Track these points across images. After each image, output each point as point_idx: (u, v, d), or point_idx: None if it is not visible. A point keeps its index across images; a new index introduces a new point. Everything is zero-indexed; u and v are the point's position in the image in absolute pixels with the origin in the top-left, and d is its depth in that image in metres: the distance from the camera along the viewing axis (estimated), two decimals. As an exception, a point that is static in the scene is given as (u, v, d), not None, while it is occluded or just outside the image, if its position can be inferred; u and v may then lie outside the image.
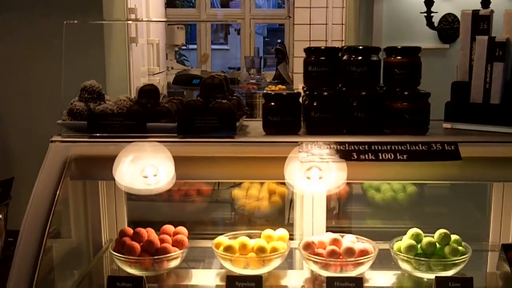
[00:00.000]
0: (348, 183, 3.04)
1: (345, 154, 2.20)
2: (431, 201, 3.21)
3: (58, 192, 2.22)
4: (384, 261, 2.49)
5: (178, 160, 2.26)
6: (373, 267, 2.42)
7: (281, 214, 3.09)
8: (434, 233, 2.46)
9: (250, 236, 2.51)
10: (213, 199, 3.37)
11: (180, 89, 6.47)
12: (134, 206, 2.95)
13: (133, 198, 3.03)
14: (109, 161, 2.25)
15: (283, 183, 3.07)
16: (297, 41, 7.08)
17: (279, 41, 8.66)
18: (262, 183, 3.16)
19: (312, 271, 2.45)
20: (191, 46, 10.40)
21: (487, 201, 2.82)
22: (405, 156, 2.18)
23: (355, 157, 2.19)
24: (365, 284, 2.29)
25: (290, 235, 2.61)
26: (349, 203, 3.21)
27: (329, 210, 2.83)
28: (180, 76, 6.63)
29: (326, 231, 2.60)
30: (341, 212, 3.13)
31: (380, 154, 2.19)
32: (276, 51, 7.83)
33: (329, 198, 2.85)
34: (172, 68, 7.58)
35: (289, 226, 2.74)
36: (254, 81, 7.55)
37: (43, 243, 2.12)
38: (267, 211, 3.05)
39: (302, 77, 2.50)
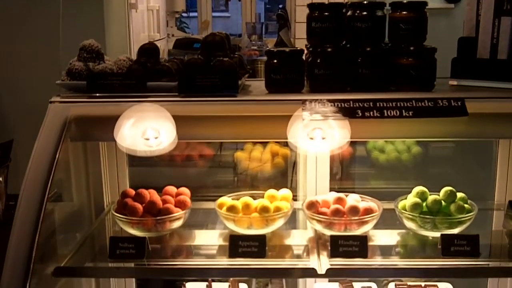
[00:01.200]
0: (352, 143, 3.01)
1: (349, 111, 2.16)
2: (436, 162, 3.17)
3: (58, 154, 2.18)
4: (388, 220, 2.47)
5: (179, 120, 2.22)
6: (377, 226, 2.40)
7: (284, 176, 3.06)
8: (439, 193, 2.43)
9: (253, 197, 2.48)
10: (215, 163, 3.33)
11: (180, 54, 6.40)
12: (136, 172, 2.93)
13: (134, 164, 3.01)
14: (109, 121, 2.21)
15: (286, 145, 3.04)
16: (299, 6, 6.98)
17: (280, 6, 8.55)
18: (264, 146, 3.12)
19: (316, 230, 2.42)
20: (191, 14, 10.30)
21: (493, 160, 2.79)
22: (410, 113, 2.14)
23: (360, 114, 2.15)
24: (370, 243, 2.26)
25: (293, 195, 2.58)
26: (353, 164, 3.17)
27: (332, 172, 2.80)
28: (180, 40, 6.56)
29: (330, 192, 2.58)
30: (344, 173, 3.10)
31: (385, 111, 2.15)
32: (278, 17, 7.72)
33: (332, 159, 2.81)
34: (173, 35, 7.49)
35: (292, 190, 2.70)
36: (255, 47, 7.47)
37: (43, 205, 2.09)
38: (270, 173, 3.01)
39: (304, 43, 2.45)
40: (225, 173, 3.25)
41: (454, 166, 3.18)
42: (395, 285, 2.72)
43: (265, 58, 2.39)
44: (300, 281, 3.05)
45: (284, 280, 3.30)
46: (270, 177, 3.02)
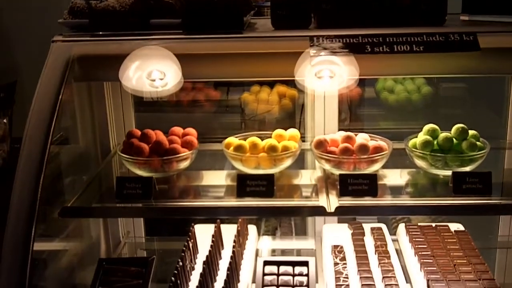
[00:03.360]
0: (360, 84, 2.96)
1: (358, 47, 2.10)
2: (447, 102, 3.12)
3: (61, 94, 2.13)
4: (398, 160, 2.43)
5: (184, 58, 2.18)
6: (387, 166, 2.36)
7: (291, 118, 3.02)
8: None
9: (260, 138, 2.43)
10: (222, 106, 3.29)
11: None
12: (142, 117, 2.90)
13: (141, 110, 2.98)
14: (112, 60, 2.18)
15: (294, 86, 2.99)
16: None
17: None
18: (272, 87, 3.07)
19: (324, 170, 2.39)
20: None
21: (504, 100, 2.74)
22: (421, 48, 2.08)
23: (369, 50, 2.09)
24: (379, 182, 2.22)
25: (301, 137, 2.54)
26: (362, 105, 3.12)
27: (341, 113, 2.76)
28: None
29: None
30: (353, 115, 3.06)
31: (395, 46, 2.09)
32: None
33: (341, 101, 2.77)
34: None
35: (300, 132, 2.65)
36: (262, -7, 7.33)
37: (47, 147, 2.04)
38: (278, 115, 2.97)
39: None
40: (232, 117, 3.21)
41: (465, 106, 3.13)
42: (405, 226, 2.69)
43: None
44: (309, 223, 3.05)
45: (293, 223, 3.30)
46: (277, 119, 2.98)
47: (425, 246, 2.49)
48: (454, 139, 2.31)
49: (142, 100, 3.11)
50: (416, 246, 2.49)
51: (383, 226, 2.71)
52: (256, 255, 2.65)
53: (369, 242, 2.60)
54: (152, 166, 2.29)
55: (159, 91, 2.30)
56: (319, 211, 2.10)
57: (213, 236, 2.45)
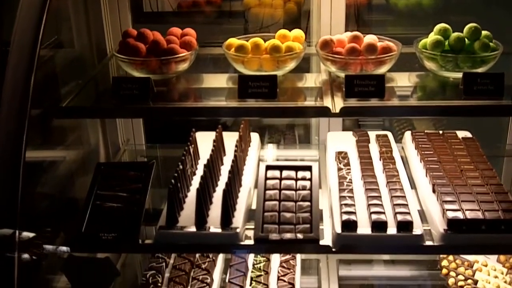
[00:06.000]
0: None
1: None
2: (458, 9, 2.97)
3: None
4: (407, 64, 2.33)
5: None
6: (395, 69, 2.26)
7: (296, 23, 2.89)
8: (462, 32, 2.27)
9: (264, 40, 2.32)
10: (225, 15, 3.16)
11: None
12: (140, 28, 2.79)
13: (141, 20, 2.87)
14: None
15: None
16: None
17: None
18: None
19: (330, 73, 2.30)
20: None
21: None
22: None
23: None
24: (387, 84, 2.13)
25: (307, 42, 2.43)
26: (370, 11, 2.99)
27: (348, 19, 2.65)
28: None
29: (345, 36, 2.42)
30: (361, 20, 2.92)
31: None
32: None
33: (348, 5, 2.64)
34: None
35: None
36: None
37: (37, 47, 1.92)
38: (282, 20, 2.85)
39: None
40: (235, 24, 3.09)
41: (478, 14, 2.98)
42: (412, 133, 2.62)
43: None
44: (313, 134, 2.98)
45: (296, 134, 3.24)
46: (281, 24, 2.86)
47: (431, 152, 2.43)
48: (466, 39, 2.20)
49: (141, 11, 3.00)
50: (422, 152, 2.43)
51: (389, 134, 2.64)
52: (259, 161, 2.60)
53: (374, 148, 2.53)
54: (150, 67, 2.19)
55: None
56: (323, 111, 2.01)
57: (214, 141, 2.39)
